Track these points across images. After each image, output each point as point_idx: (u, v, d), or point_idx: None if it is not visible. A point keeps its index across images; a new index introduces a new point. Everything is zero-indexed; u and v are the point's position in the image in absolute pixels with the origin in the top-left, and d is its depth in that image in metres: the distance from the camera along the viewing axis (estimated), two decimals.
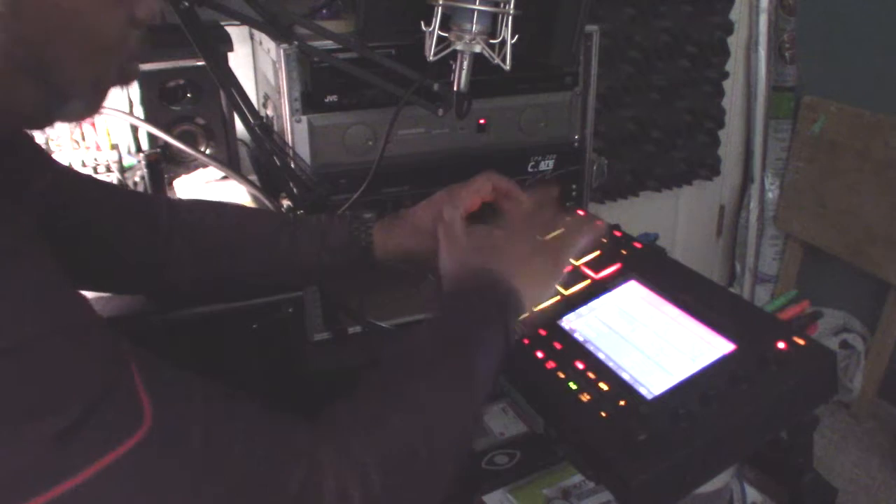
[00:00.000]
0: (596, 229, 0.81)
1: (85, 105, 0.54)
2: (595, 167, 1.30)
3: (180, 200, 0.89)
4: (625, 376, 0.69)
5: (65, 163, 1.09)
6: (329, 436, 0.54)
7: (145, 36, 0.55)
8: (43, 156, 0.78)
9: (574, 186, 1.29)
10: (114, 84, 0.55)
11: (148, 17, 0.54)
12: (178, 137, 1.17)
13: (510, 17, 0.92)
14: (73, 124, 1.08)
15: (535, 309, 0.73)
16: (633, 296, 0.80)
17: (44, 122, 0.53)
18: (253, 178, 1.25)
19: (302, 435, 0.53)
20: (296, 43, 1.02)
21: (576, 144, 1.28)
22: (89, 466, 0.41)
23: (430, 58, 0.96)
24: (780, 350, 0.67)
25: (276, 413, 0.53)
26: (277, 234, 0.88)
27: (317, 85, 1.08)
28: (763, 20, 2.16)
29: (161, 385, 0.47)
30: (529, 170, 1.24)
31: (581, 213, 0.95)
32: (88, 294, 0.92)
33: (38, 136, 1.08)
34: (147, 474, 0.44)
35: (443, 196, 0.90)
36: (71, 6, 0.48)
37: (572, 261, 0.86)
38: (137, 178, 1.13)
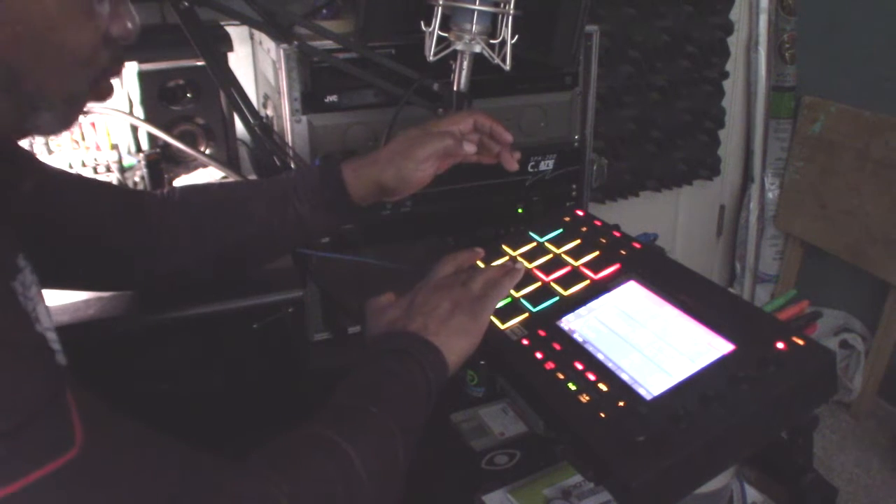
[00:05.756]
0: (515, 275, 0.84)
1: (57, 118, 0.54)
2: (595, 167, 1.31)
3: (172, 192, 0.88)
4: (624, 377, 0.69)
5: (65, 163, 1.09)
6: (252, 472, 0.56)
7: (120, 54, 0.56)
8: (28, 158, 0.78)
9: (574, 186, 1.29)
10: (87, 99, 0.56)
11: (122, 36, 0.55)
12: (178, 137, 1.17)
13: (510, 17, 0.93)
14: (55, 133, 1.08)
15: (459, 362, 0.75)
16: (633, 296, 0.80)
17: (16, 134, 0.54)
18: (253, 178, 1.25)
19: (226, 472, 0.55)
20: (296, 43, 1.03)
21: (576, 144, 1.28)
22: (14, 482, 0.41)
23: (430, 58, 0.96)
24: (780, 350, 0.67)
25: (200, 454, 0.54)
26: (254, 200, 0.88)
27: (317, 85, 1.08)
28: (763, 20, 2.16)
29: (94, 413, 0.47)
30: (529, 170, 1.24)
31: (580, 212, 0.95)
32: (85, 294, 0.92)
33: (38, 137, 1.08)
34: (73, 496, 0.43)
35: (416, 130, 0.89)
36: (42, 20, 0.48)
37: (571, 261, 0.86)
38: (137, 178, 1.13)
